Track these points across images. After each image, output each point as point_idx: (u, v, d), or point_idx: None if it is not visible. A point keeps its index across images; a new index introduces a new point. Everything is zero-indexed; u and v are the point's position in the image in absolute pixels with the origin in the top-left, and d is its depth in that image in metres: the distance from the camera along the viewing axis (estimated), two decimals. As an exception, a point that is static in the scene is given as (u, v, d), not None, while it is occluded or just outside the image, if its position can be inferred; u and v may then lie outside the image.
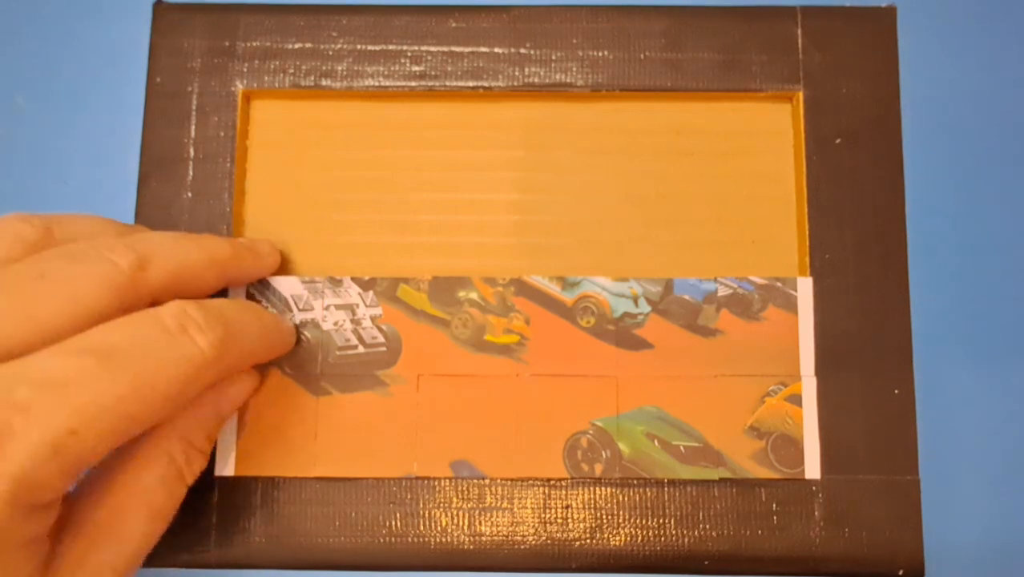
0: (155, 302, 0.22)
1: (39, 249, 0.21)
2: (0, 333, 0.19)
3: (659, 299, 0.28)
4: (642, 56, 0.29)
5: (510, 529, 0.27)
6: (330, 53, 0.29)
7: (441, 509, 0.27)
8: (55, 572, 0.20)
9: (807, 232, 0.28)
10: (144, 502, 0.21)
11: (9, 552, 0.18)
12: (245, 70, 0.29)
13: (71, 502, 0.21)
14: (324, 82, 0.29)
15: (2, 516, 0.17)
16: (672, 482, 0.27)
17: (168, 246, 0.23)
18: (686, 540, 0.27)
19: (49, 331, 0.19)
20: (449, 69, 0.29)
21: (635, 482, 0.27)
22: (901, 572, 0.26)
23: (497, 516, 0.27)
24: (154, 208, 0.28)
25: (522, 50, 0.29)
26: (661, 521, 0.27)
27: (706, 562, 0.26)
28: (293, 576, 0.27)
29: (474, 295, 0.28)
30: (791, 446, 0.27)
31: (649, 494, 0.27)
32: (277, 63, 0.29)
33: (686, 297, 0.28)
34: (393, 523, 0.27)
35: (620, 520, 0.27)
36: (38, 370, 0.18)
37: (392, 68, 0.29)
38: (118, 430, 0.19)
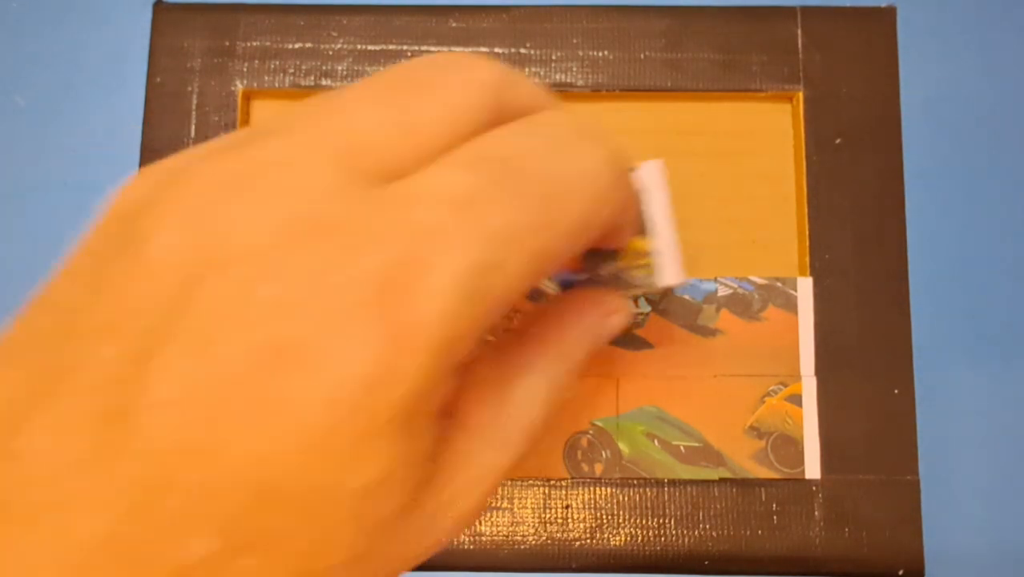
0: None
1: None
2: (381, 148, 0.15)
3: (659, 299, 0.28)
4: (642, 56, 0.29)
5: (510, 529, 0.27)
6: (330, 53, 0.29)
7: (441, 509, 0.27)
8: (443, 465, 0.16)
9: (807, 232, 0.28)
10: (523, 413, 0.18)
11: (418, 423, 0.15)
12: (245, 70, 0.29)
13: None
14: (324, 82, 0.29)
15: (425, 372, 0.14)
16: (672, 482, 0.27)
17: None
18: (686, 540, 0.27)
19: (430, 146, 0.15)
20: (449, 69, 0.29)
21: (635, 482, 0.27)
22: (901, 572, 0.26)
23: (497, 516, 0.27)
24: (154, 208, 0.28)
25: (522, 50, 0.29)
26: (661, 521, 0.27)
27: (706, 562, 0.26)
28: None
29: (474, 295, 0.28)
30: (791, 446, 0.27)
31: (649, 494, 0.27)
32: (277, 63, 0.29)
33: (686, 297, 0.28)
34: (393, 523, 0.27)
35: (620, 520, 0.27)
36: (437, 190, 0.14)
37: (392, 68, 0.29)
38: (531, 268, 0.15)
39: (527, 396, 0.18)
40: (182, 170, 0.15)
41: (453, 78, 0.16)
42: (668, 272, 0.20)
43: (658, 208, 0.20)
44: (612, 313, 0.20)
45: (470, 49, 0.29)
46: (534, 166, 0.15)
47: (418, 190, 0.14)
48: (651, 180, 0.20)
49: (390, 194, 0.15)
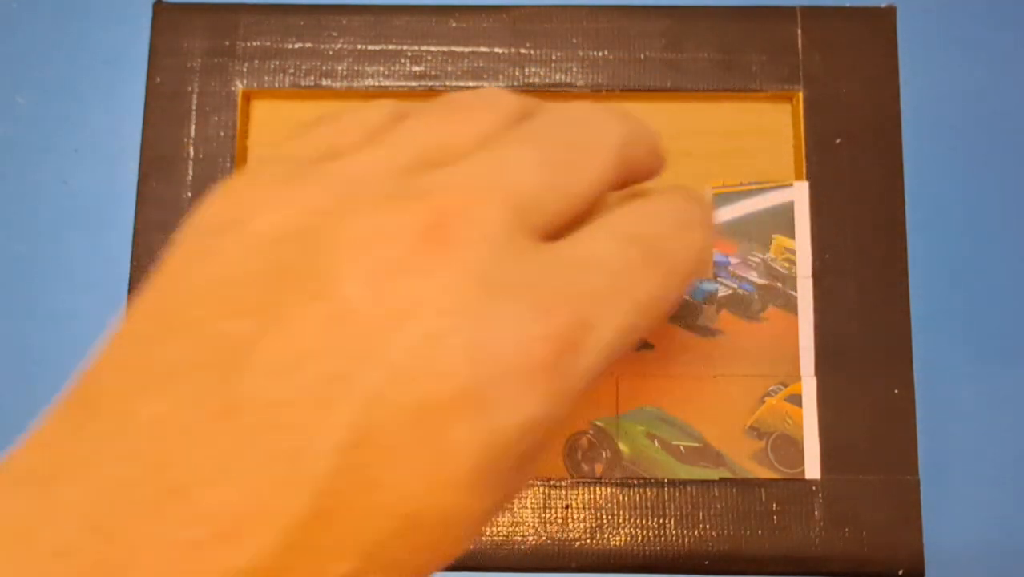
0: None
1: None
2: (545, 207, 0.16)
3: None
4: (642, 56, 0.29)
5: (510, 529, 0.27)
6: (330, 53, 0.29)
7: (441, 509, 0.27)
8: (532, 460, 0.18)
9: (808, 232, 0.28)
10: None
11: (516, 471, 0.16)
12: (245, 70, 0.29)
13: None
14: (324, 82, 0.29)
15: (562, 416, 0.16)
16: (672, 482, 0.27)
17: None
18: (686, 540, 0.27)
19: (580, 208, 0.17)
20: (449, 69, 0.29)
21: (635, 482, 0.27)
22: (901, 572, 0.26)
23: (497, 516, 0.27)
24: (154, 208, 0.28)
25: (522, 50, 0.29)
26: (661, 521, 0.27)
27: (706, 562, 0.26)
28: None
29: (474, 295, 0.28)
30: (791, 446, 0.27)
31: (649, 494, 0.27)
32: (277, 63, 0.29)
33: (686, 297, 0.28)
34: (393, 523, 0.27)
35: (620, 520, 0.27)
36: (594, 257, 0.16)
37: (392, 68, 0.29)
38: (651, 328, 0.17)
39: None
40: (357, 203, 0.16)
41: (595, 139, 0.18)
42: None
43: None
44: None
45: (469, 49, 0.29)
46: (663, 244, 0.17)
47: (580, 256, 0.16)
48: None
49: (562, 256, 0.16)
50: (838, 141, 0.29)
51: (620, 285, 0.16)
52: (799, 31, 0.29)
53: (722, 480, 0.27)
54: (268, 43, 0.29)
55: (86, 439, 0.15)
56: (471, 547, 0.27)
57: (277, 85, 0.29)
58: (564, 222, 0.17)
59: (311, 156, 0.17)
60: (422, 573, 0.16)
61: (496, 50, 0.29)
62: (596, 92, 0.29)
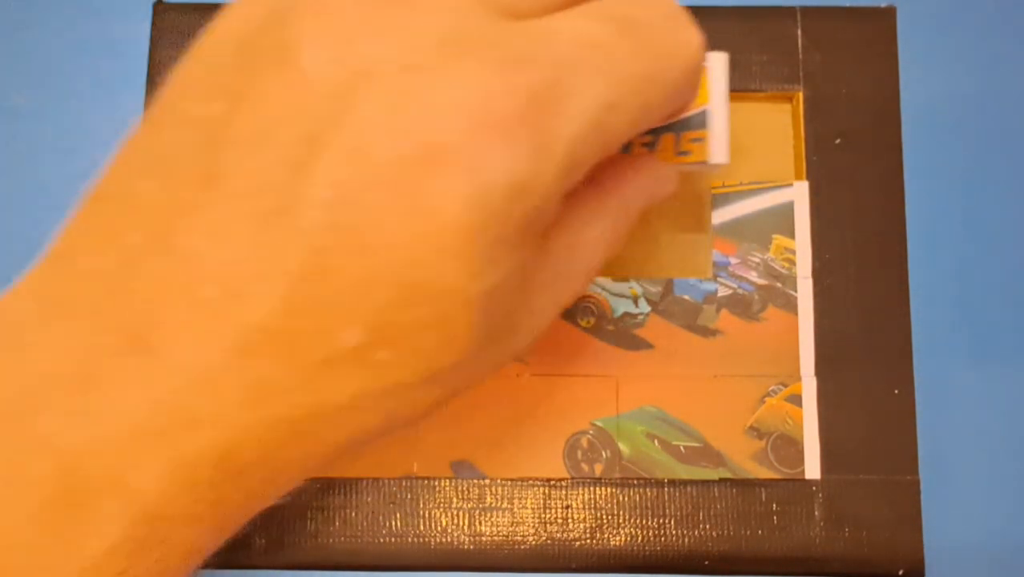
0: None
1: None
2: None
3: (659, 299, 0.28)
4: (642, 56, 0.29)
5: (510, 529, 0.27)
6: (330, 53, 0.29)
7: (441, 509, 0.27)
8: (529, 287, 0.18)
9: (808, 232, 0.28)
10: (588, 253, 0.19)
11: (532, 237, 0.16)
12: (245, 70, 0.29)
13: None
14: (324, 82, 0.29)
15: (553, 188, 0.16)
16: (672, 482, 0.27)
17: None
18: (686, 540, 0.27)
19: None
20: (449, 69, 0.29)
21: (635, 482, 0.27)
22: (901, 572, 0.26)
23: (497, 516, 0.27)
24: (154, 208, 0.28)
25: (522, 50, 0.29)
26: (661, 521, 0.27)
27: (706, 562, 0.26)
28: (293, 576, 0.27)
29: (474, 295, 0.28)
30: (791, 446, 0.27)
31: (649, 494, 0.27)
32: (277, 63, 0.29)
33: (686, 297, 0.28)
34: (393, 523, 0.27)
35: (620, 520, 0.27)
36: (572, 30, 0.16)
37: (392, 68, 0.29)
38: (638, 117, 0.17)
39: (593, 238, 0.19)
40: None
41: None
42: (718, 152, 0.22)
43: (718, 94, 0.22)
44: (665, 180, 0.22)
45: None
46: (649, 30, 0.17)
47: (557, 28, 0.16)
48: (717, 68, 0.22)
49: (531, 27, 0.16)
50: (838, 141, 0.29)
51: (597, 57, 0.16)
52: (799, 31, 0.29)
53: (722, 480, 0.27)
54: (268, 43, 0.29)
55: (98, 220, 0.16)
56: (471, 547, 0.27)
57: (277, 85, 0.29)
58: (540, 8, 0.17)
59: None
60: (439, 361, 0.16)
61: (496, 50, 0.29)
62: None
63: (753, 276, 0.28)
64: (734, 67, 0.29)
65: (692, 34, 0.17)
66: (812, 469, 0.27)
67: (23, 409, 0.14)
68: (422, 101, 0.15)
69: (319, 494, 0.27)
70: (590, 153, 0.16)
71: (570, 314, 0.28)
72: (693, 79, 0.18)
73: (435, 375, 0.16)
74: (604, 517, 0.27)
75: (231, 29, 0.16)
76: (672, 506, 0.27)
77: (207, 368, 0.14)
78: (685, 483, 0.27)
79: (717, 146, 0.23)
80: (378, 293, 0.15)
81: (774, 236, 0.28)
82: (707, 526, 0.27)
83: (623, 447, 0.27)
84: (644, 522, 0.27)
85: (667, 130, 0.23)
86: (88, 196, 0.16)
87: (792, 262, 0.28)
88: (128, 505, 0.14)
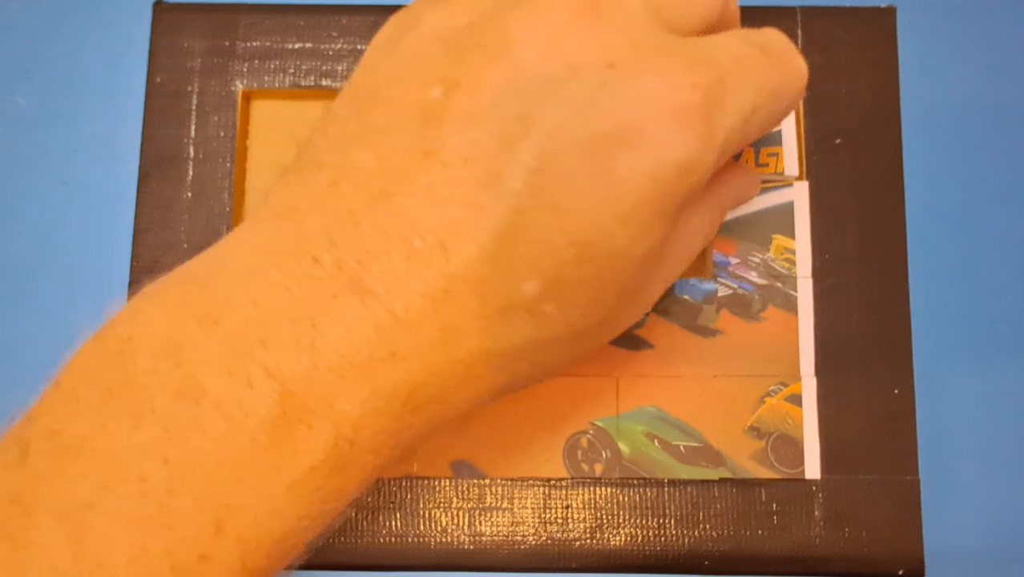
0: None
1: None
2: (673, 8, 0.19)
3: (659, 299, 0.28)
4: (642, 56, 0.29)
5: (510, 529, 0.27)
6: (330, 53, 0.29)
7: (441, 509, 0.27)
8: (659, 260, 0.20)
9: (808, 232, 0.28)
10: (692, 239, 0.22)
11: (681, 210, 0.19)
12: (245, 70, 0.29)
13: None
14: (324, 82, 0.29)
15: (709, 171, 0.19)
16: (672, 482, 0.27)
17: None
18: (686, 540, 0.27)
19: (698, 20, 0.20)
20: (449, 69, 0.29)
21: (635, 482, 0.27)
22: (901, 572, 0.26)
23: (497, 516, 0.27)
24: (154, 208, 0.28)
25: (522, 50, 0.29)
26: (661, 521, 0.27)
27: (706, 562, 0.26)
28: (293, 576, 0.27)
29: (474, 295, 0.28)
30: (791, 446, 0.27)
31: (649, 494, 0.27)
32: (277, 63, 0.29)
33: (686, 297, 0.28)
34: (393, 523, 0.27)
35: (620, 520, 0.27)
36: (725, 47, 0.19)
37: (392, 68, 0.29)
38: (769, 121, 0.20)
39: (696, 228, 0.22)
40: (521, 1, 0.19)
41: None
42: (791, 165, 0.27)
43: (790, 117, 0.27)
44: (751, 184, 0.25)
45: (470, 49, 0.29)
46: (779, 54, 0.20)
47: (715, 44, 0.19)
48: None
49: (695, 41, 0.19)
50: (838, 141, 0.29)
51: (746, 68, 0.19)
52: (799, 31, 0.29)
53: (722, 480, 0.27)
54: (268, 43, 0.29)
55: (315, 184, 0.18)
56: (471, 547, 0.27)
57: (277, 85, 0.29)
58: (688, 31, 0.20)
59: None
60: (588, 318, 0.19)
61: (496, 50, 0.29)
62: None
63: (753, 276, 0.28)
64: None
65: (803, 62, 0.21)
66: (812, 469, 0.27)
67: (252, 340, 0.16)
68: (620, 90, 0.17)
69: (319, 494, 0.27)
70: (735, 144, 0.19)
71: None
72: (800, 96, 0.21)
73: (582, 332, 0.19)
74: (604, 517, 0.27)
75: (430, 27, 0.19)
76: (672, 506, 0.27)
77: (411, 310, 0.17)
78: (685, 483, 0.27)
79: (790, 160, 0.27)
80: (560, 249, 0.17)
81: (774, 236, 0.28)
82: (707, 526, 0.27)
83: (623, 447, 0.27)
84: (644, 522, 0.27)
85: (749, 145, 0.26)
86: (301, 160, 0.19)
87: (792, 262, 0.28)
88: (333, 427, 0.16)
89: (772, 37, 0.21)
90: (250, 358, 0.16)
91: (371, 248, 0.17)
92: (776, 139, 0.27)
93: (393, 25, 0.21)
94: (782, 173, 0.26)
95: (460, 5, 0.20)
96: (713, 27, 0.21)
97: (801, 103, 0.29)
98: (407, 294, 0.17)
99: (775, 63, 0.20)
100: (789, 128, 0.27)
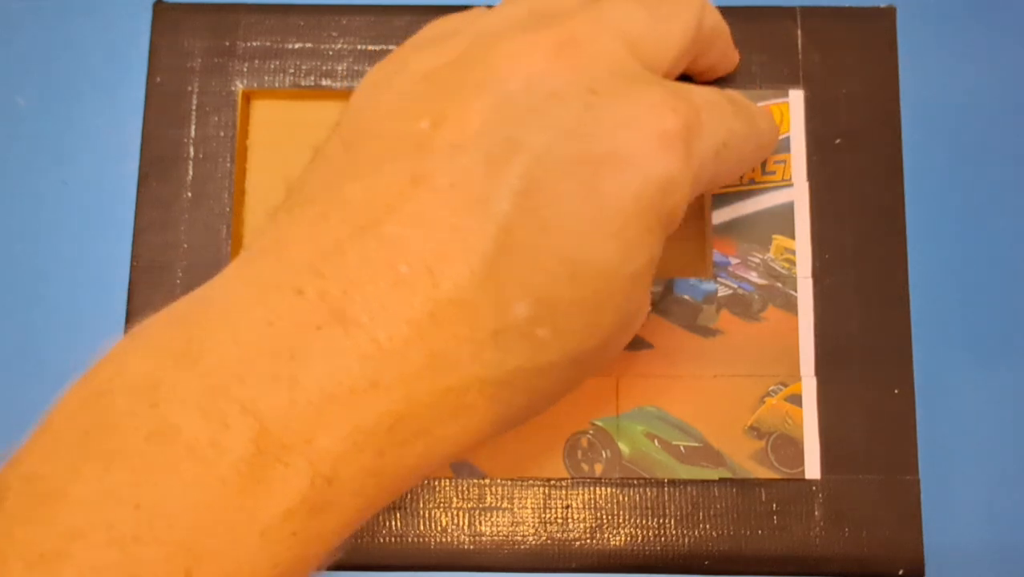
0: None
1: None
2: (648, 45, 0.20)
3: (659, 299, 0.28)
4: (642, 56, 0.29)
5: (510, 529, 0.27)
6: (330, 53, 0.29)
7: (441, 509, 0.27)
8: (650, 278, 0.21)
9: (808, 232, 0.28)
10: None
11: (668, 227, 0.20)
12: (245, 70, 0.29)
13: None
14: (324, 82, 0.29)
15: (689, 191, 0.19)
16: (672, 482, 0.27)
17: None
18: (686, 540, 0.27)
19: (672, 54, 0.21)
20: (449, 69, 0.29)
21: (635, 482, 0.27)
22: (901, 572, 0.26)
23: (497, 516, 0.27)
24: (154, 208, 0.28)
25: (522, 50, 0.29)
26: (661, 521, 0.27)
27: (706, 562, 0.26)
28: None
29: (474, 295, 0.28)
30: (791, 446, 0.27)
31: (649, 494, 0.27)
32: (277, 63, 0.29)
33: (686, 297, 0.28)
34: (393, 523, 0.27)
35: (620, 520, 0.27)
36: (699, 89, 0.20)
37: (392, 68, 0.29)
38: (739, 160, 0.22)
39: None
40: (500, 35, 0.19)
41: (682, 3, 0.22)
42: (798, 172, 0.28)
43: (797, 125, 0.29)
44: None
45: (470, 49, 0.29)
46: (747, 107, 0.22)
47: (688, 87, 0.20)
48: (797, 103, 0.29)
49: (670, 80, 0.20)
50: (838, 141, 0.29)
51: (717, 110, 0.20)
52: (799, 31, 0.29)
53: (722, 480, 0.27)
54: (268, 43, 0.29)
55: (305, 218, 0.18)
56: (471, 547, 0.27)
57: (277, 85, 0.29)
58: (659, 61, 0.21)
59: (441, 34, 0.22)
60: (586, 343, 0.19)
61: (496, 50, 0.29)
62: (596, 92, 0.29)
63: (753, 276, 0.28)
64: (734, 67, 0.29)
65: (770, 123, 0.24)
66: (812, 469, 0.27)
67: (229, 377, 0.16)
68: (604, 114, 0.18)
69: (319, 494, 0.27)
70: (708, 175, 0.20)
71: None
72: (768, 148, 0.24)
73: (579, 357, 0.19)
74: (604, 517, 0.27)
75: (416, 68, 0.20)
76: (672, 506, 0.27)
77: (396, 339, 0.16)
78: (685, 483, 0.27)
79: (797, 167, 0.28)
80: (549, 267, 0.17)
81: (774, 236, 0.28)
82: (707, 526, 0.27)
83: (623, 447, 0.27)
84: (644, 522, 0.27)
85: (719, 187, 0.27)
86: (292, 200, 0.19)
87: (792, 262, 0.28)
88: (311, 465, 0.16)
89: (735, 95, 0.23)
90: (226, 396, 0.16)
91: (356, 277, 0.17)
92: (784, 146, 0.28)
93: (379, 70, 0.21)
94: (789, 179, 0.27)
95: (444, 45, 0.20)
96: (684, 63, 0.23)
97: (801, 104, 0.29)
98: (392, 321, 0.16)
99: (742, 112, 0.22)
100: (798, 134, 0.28)
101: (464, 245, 0.17)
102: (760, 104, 0.29)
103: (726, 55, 0.26)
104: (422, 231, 0.17)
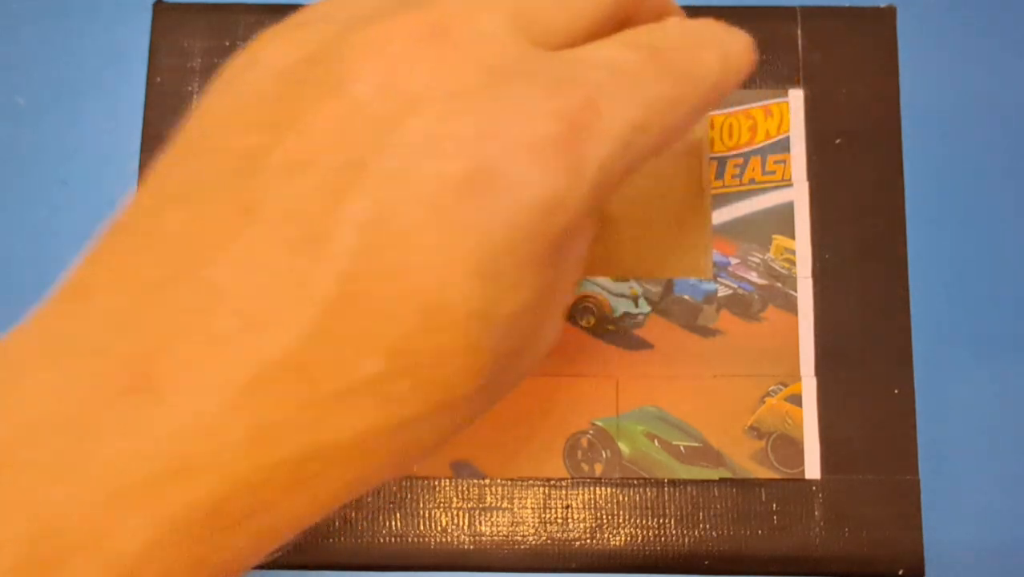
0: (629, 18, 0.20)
1: None
2: (545, 18, 0.17)
3: (659, 299, 0.28)
4: (642, 56, 0.29)
5: (510, 529, 0.27)
6: (330, 53, 0.29)
7: (441, 509, 0.27)
8: (548, 305, 0.18)
9: (808, 232, 0.28)
10: (578, 266, 0.20)
11: (557, 258, 0.17)
12: (245, 70, 0.29)
13: None
14: (324, 82, 0.29)
15: (584, 206, 0.16)
16: (672, 482, 0.27)
17: None
18: (686, 540, 0.27)
19: (580, 25, 0.17)
20: (449, 69, 0.29)
21: (635, 482, 0.27)
22: (901, 572, 0.26)
23: (497, 516, 0.27)
24: (154, 208, 0.28)
25: (522, 50, 0.29)
26: (661, 521, 0.27)
27: (706, 562, 0.26)
28: (293, 576, 0.27)
29: (474, 295, 0.28)
30: (791, 446, 0.27)
31: (649, 494, 0.27)
32: (277, 63, 0.29)
33: (686, 297, 0.28)
34: (393, 523, 0.27)
35: (620, 520, 0.27)
36: (602, 58, 0.17)
37: (392, 68, 0.29)
38: (664, 137, 0.17)
39: (581, 250, 0.19)
40: (364, 21, 0.16)
41: None
42: (798, 171, 0.28)
43: (797, 124, 0.28)
44: None
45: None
46: (674, 54, 0.17)
47: (588, 57, 0.17)
48: (797, 102, 0.27)
49: (564, 56, 0.16)
50: (838, 141, 0.29)
51: (626, 81, 0.16)
52: (799, 31, 0.29)
53: (722, 480, 0.27)
54: (268, 43, 0.29)
55: (119, 254, 0.15)
56: (471, 547, 0.27)
57: (277, 85, 0.29)
58: (569, 39, 0.17)
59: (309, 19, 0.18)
60: (457, 390, 0.16)
61: (496, 50, 0.29)
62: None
63: (753, 276, 0.28)
64: (734, 67, 0.29)
65: (713, 55, 0.18)
66: (812, 469, 0.27)
67: (4, 461, 0.13)
68: (466, 125, 0.15)
69: (319, 494, 0.27)
70: (619, 172, 0.16)
71: (570, 314, 0.28)
72: (716, 96, 0.18)
73: (450, 405, 0.16)
74: (604, 517, 0.27)
75: (269, 63, 0.17)
76: (672, 506, 0.27)
77: (211, 409, 0.14)
78: (685, 483, 0.27)
79: (797, 166, 0.27)
80: (403, 318, 0.15)
81: (774, 236, 0.28)
82: (707, 526, 0.27)
83: (623, 447, 0.27)
84: (644, 522, 0.27)
85: (756, 153, 0.27)
86: (110, 229, 0.16)
87: (792, 262, 0.28)
88: (107, 567, 0.13)
89: (670, 32, 0.18)
90: (2, 482, 0.13)
91: (166, 334, 0.14)
92: (783, 146, 0.27)
93: (232, 64, 0.18)
94: (789, 179, 0.26)
95: (302, 33, 0.17)
96: (609, 26, 0.18)
97: (801, 104, 0.29)
98: (206, 389, 0.14)
99: (667, 67, 0.17)
100: (798, 134, 0.27)
101: (299, 293, 0.14)
102: (760, 104, 0.29)
103: (665, 8, 0.21)
104: (248, 275, 0.14)
